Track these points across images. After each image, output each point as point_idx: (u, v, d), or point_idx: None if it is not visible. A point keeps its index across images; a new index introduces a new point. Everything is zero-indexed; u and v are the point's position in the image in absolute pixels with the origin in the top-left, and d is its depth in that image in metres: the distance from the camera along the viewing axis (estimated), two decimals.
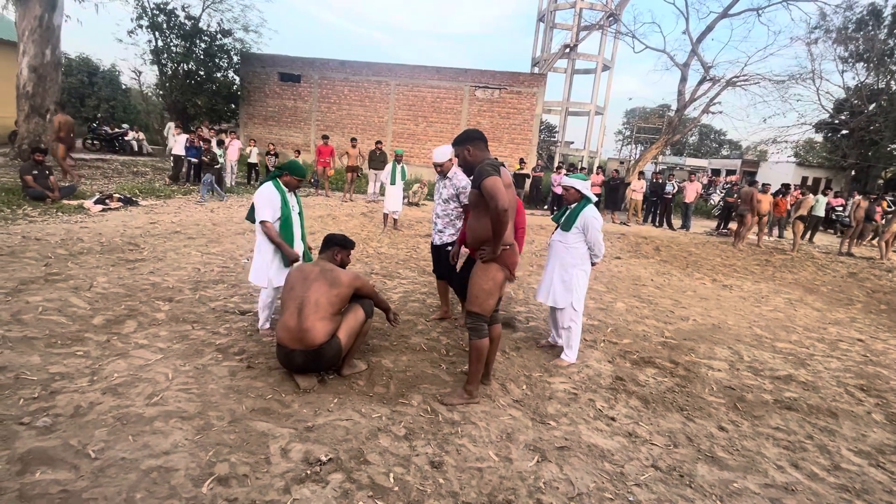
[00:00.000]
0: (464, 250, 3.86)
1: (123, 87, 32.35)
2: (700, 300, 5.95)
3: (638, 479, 2.33)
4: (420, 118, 18.72)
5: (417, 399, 2.90)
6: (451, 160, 4.16)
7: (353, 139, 13.02)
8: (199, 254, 5.74)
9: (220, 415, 2.52)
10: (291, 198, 3.64)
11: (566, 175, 3.51)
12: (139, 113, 28.47)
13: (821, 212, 13.04)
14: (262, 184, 3.54)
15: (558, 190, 13.60)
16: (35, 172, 7.68)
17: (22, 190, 7.72)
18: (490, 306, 2.80)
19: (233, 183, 12.16)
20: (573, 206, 3.50)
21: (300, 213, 3.75)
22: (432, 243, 4.18)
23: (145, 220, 7.35)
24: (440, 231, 4.06)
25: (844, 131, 25.80)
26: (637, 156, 43.93)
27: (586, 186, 3.47)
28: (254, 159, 13.65)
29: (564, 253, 3.49)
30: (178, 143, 11.99)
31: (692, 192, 13.49)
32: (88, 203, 7.58)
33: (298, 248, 3.67)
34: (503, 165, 2.76)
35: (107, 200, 7.77)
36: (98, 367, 2.88)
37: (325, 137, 13.12)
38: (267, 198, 3.45)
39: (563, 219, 3.52)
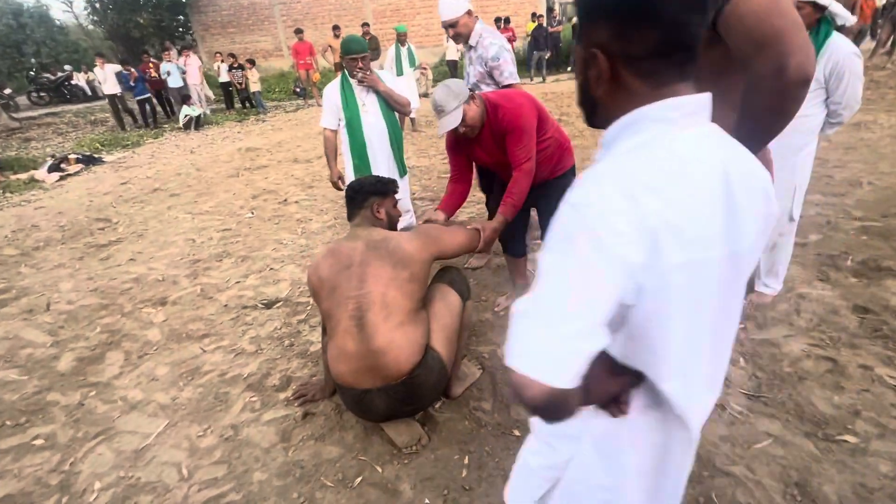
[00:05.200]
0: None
1: (58, 23, 28.34)
2: (845, 152, 4.47)
3: None
4: None
5: None
6: (469, 13, 2.52)
7: (336, 27, 10.66)
8: (188, 216, 4.41)
9: None
10: (364, 94, 2.79)
11: None
12: (86, 51, 25.08)
13: None
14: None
15: None
16: None
17: None
18: None
19: (207, 111, 10.30)
20: None
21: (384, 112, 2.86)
22: None
23: (115, 180, 5.92)
24: None
25: None
26: None
27: None
28: (225, 77, 11.52)
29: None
30: (107, 79, 9.14)
31: None
32: (41, 173, 6.12)
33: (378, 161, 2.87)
34: None
35: (62, 165, 6.29)
36: (69, 471, 1.76)
37: (298, 32, 10.82)
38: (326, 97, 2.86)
39: None
